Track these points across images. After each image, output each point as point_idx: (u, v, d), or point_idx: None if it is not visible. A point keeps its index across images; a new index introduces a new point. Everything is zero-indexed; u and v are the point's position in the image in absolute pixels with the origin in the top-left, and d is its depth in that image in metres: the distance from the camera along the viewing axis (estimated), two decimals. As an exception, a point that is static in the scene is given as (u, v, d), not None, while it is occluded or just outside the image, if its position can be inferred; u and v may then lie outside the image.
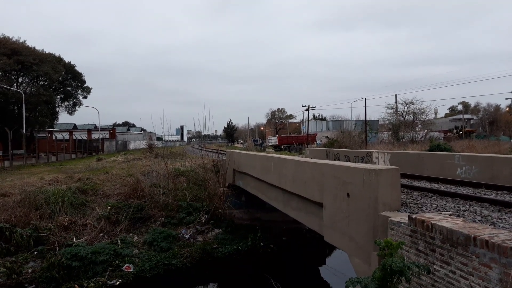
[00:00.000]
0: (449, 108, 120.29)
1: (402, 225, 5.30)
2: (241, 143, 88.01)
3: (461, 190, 8.98)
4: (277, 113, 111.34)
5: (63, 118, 77.60)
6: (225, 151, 24.62)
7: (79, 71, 50.58)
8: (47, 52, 45.91)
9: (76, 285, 12.09)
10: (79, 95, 51.90)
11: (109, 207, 16.66)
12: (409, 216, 5.21)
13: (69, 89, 50.52)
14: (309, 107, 59.97)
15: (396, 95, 54.97)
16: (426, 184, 10.28)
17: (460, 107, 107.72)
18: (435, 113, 72.35)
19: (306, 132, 60.05)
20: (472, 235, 4.07)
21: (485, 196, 7.92)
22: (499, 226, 5.63)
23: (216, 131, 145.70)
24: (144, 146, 45.03)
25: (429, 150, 22.72)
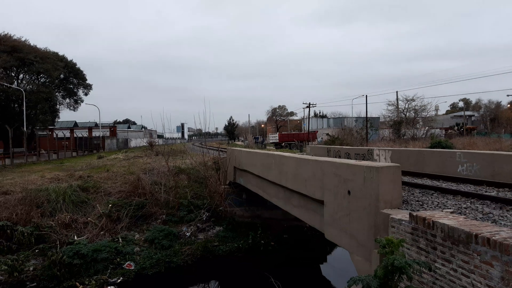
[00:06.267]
0: (450, 105, 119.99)
1: (403, 222, 5.28)
2: (241, 141, 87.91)
3: (463, 187, 8.96)
4: (277, 110, 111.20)
5: (65, 115, 77.83)
6: (225, 148, 24.61)
7: (80, 69, 50.66)
8: (49, 50, 45.92)
9: (77, 283, 12.12)
10: (80, 92, 52.00)
11: (110, 205, 16.68)
12: (410, 213, 5.19)
13: (71, 86, 50.57)
14: (309, 104, 59.87)
15: (397, 92, 54.93)
16: (427, 182, 10.26)
17: (461, 104, 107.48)
18: (436, 110, 72.02)
19: (307, 129, 59.99)
20: (474, 233, 4.05)
21: (487, 193, 7.89)
22: (501, 223, 5.62)
23: (216, 128, 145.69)
24: (145, 144, 44.98)
25: (430, 147, 22.67)
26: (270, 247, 16.16)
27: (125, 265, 13.40)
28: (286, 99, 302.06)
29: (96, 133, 63.57)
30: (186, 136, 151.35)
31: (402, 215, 5.57)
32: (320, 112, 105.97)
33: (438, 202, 7.18)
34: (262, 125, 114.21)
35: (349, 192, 6.95)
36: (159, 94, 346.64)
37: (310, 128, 60.12)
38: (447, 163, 11.66)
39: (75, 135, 60.98)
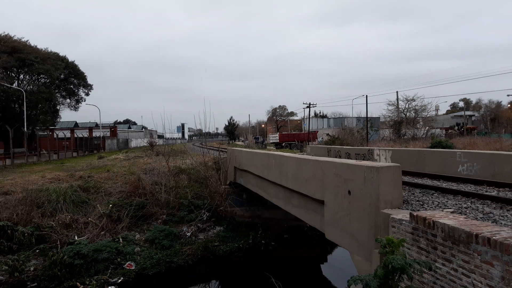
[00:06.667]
0: (450, 105, 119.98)
1: (404, 222, 5.28)
2: (242, 141, 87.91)
3: (463, 187, 8.96)
4: (278, 110, 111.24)
5: (65, 116, 77.80)
6: (226, 148, 24.61)
7: (81, 69, 50.72)
8: (50, 51, 45.96)
9: (78, 283, 12.12)
10: (80, 93, 52.04)
11: (110, 205, 16.69)
12: (410, 213, 5.19)
13: (71, 86, 50.61)
14: (310, 104, 59.85)
15: (397, 92, 54.85)
16: (428, 181, 10.25)
17: (461, 104, 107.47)
18: (437, 110, 72.10)
19: (307, 129, 59.98)
20: (474, 233, 4.05)
21: (487, 193, 7.89)
22: (501, 223, 5.62)
23: (217, 128, 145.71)
24: (146, 144, 45.06)
25: (431, 147, 22.66)
26: (270, 247, 16.16)
27: (125, 265, 13.41)
28: (287, 99, 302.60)
29: (96, 133, 63.61)
30: (186, 136, 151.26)
31: (403, 215, 5.57)
32: (320, 112, 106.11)
33: (439, 202, 7.18)
34: (263, 125, 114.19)
35: (349, 192, 6.95)
36: (160, 94, 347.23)
37: (310, 128, 60.10)
38: (448, 163, 11.66)
39: (75, 135, 61.01)
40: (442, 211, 5.84)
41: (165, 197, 17.99)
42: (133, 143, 70.45)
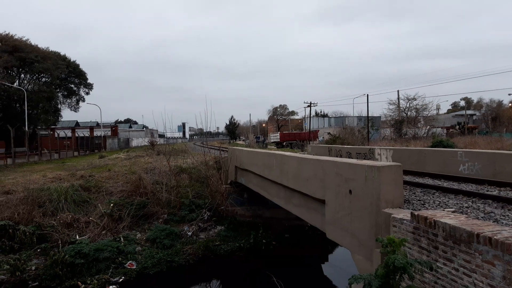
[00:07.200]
0: (451, 104, 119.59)
1: (405, 222, 5.28)
2: (243, 140, 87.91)
3: (464, 186, 8.95)
4: (278, 109, 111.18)
5: (66, 115, 77.90)
6: (227, 148, 24.61)
7: (82, 68, 50.82)
8: (51, 50, 46.08)
9: (79, 282, 12.15)
10: (81, 92, 52.14)
11: (111, 205, 16.71)
12: (411, 213, 5.19)
13: (72, 85, 50.70)
14: (311, 103, 59.80)
15: (398, 91, 54.79)
16: (429, 181, 10.25)
17: (462, 103, 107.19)
18: (438, 109, 71.77)
19: (308, 128, 59.95)
20: (475, 232, 4.05)
21: (488, 192, 7.88)
22: (502, 223, 5.61)
23: (218, 128, 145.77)
24: (146, 143, 45.08)
25: (432, 147, 22.63)
26: (271, 246, 16.17)
27: (127, 264, 13.43)
28: (287, 99, 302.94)
29: (97, 132, 63.68)
30: (187, 136, 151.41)
31: (404, 214, 5.57)
32: (321, 111, 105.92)
33: (440, 201, 7.17)
34: (263, 125, 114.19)
35: (350, 192, 6.95)
36: (160, 94, 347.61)
37: (311, 128, 60.07)
38: (449, 162, 11.65)
39: (76, 135, 61.00)
40: (443, 210, 5.83)
41: (166, 196, 18.01)
42: (134, 143, 70.52)
